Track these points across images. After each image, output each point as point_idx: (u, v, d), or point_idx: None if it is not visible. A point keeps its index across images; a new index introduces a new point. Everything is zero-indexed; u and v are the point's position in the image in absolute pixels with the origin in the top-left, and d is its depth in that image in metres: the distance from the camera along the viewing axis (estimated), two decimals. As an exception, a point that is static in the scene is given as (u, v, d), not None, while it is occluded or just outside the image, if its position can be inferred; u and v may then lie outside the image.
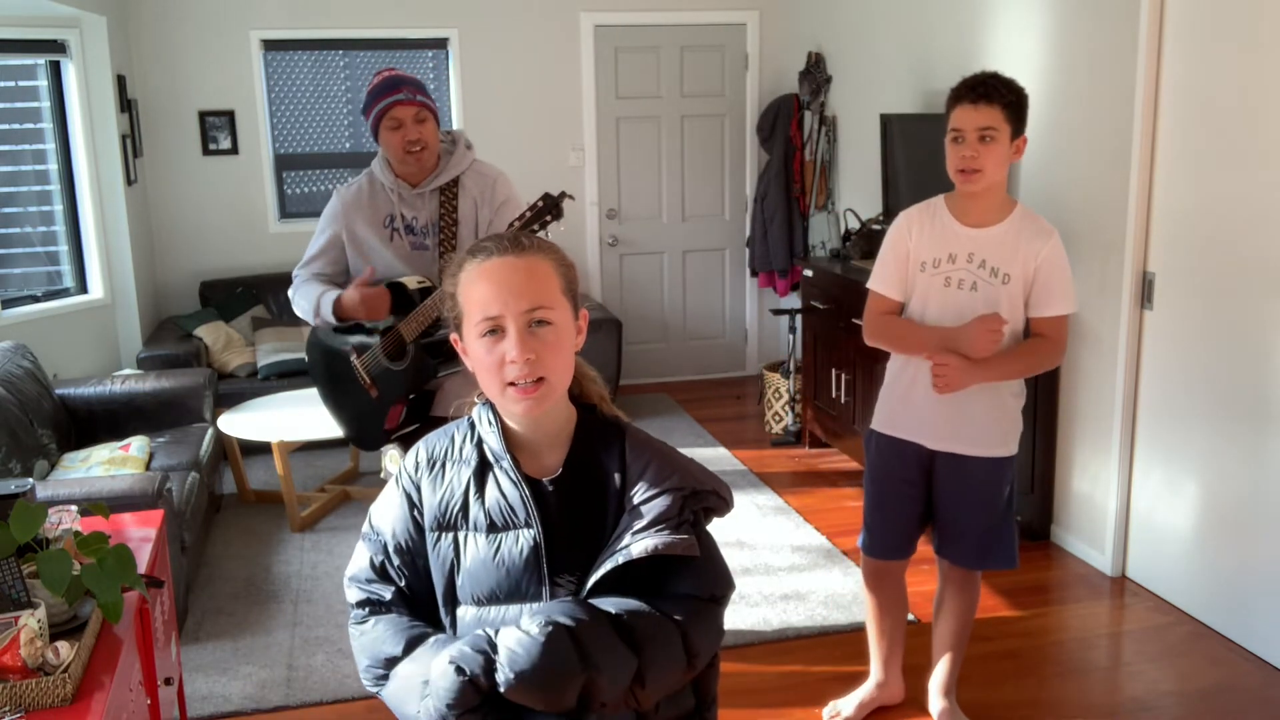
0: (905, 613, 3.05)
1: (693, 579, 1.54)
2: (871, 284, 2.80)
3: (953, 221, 2.69)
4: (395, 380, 3.04)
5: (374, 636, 1.58)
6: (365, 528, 1.66)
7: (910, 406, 2.76)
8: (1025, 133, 2.63)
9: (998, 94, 2.55)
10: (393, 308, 2.97)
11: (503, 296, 1.49)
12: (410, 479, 1.62)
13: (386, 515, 1.63)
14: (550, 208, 2.80)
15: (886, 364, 2.88)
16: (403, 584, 1.62)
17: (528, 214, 2.84)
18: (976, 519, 2.77)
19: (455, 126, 6.14)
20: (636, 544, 1.47)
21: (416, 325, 2.93)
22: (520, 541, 1.53)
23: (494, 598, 1.54)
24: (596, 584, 1.49)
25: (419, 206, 3.05)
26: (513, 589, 1.53)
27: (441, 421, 2.93)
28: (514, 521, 1.53)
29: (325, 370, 3.28)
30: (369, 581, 1.63)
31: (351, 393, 3.18)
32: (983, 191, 2.63)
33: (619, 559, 1.47)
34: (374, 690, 1.58)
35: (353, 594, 1.65)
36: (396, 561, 1.61)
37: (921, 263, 2.70)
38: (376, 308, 2.96)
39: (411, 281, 2.98)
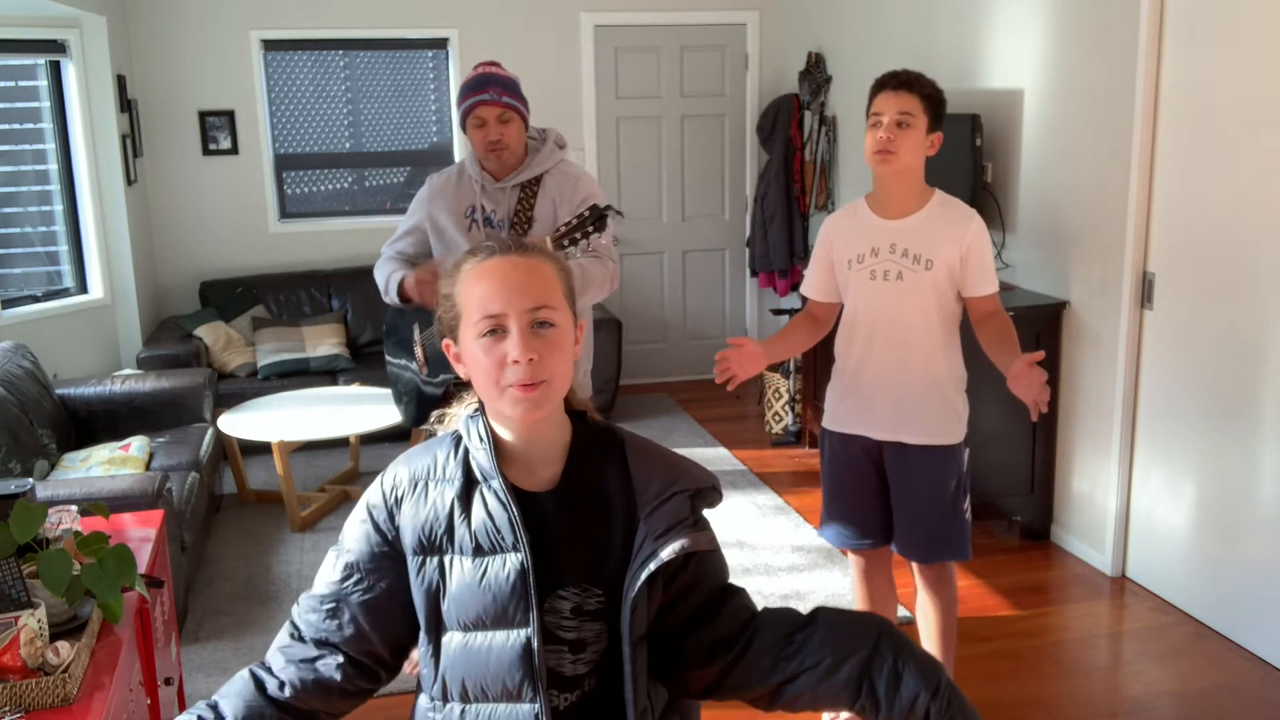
0: (894, 608, 3.06)
1: (713, 572, 1.56)
2: (801, 289, 2.96)
3: (872, 216, 2.77)
4: (446, 361, 3.08)
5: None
6: (340, 539, 1.58)
7: (854, 400, 2.82)
8: (941, 130, 2.72)
9: (918, 84, 2.68)
10: None
11: (506, 294, 1.44)
12: (384, 496, 1.54)
13: (355, 536, 1.55)
14: (595, 219, 2.87)
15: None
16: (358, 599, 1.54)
17: (572, 221, 2.89)
18: (925, 510, 2.80)
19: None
20: (664, 548, 1.44)
21: None
22: (507, 566, 1.46)
23: (480, 623, 1.48)
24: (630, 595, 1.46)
25: (500, 200, 3.12)
26: (499, 615, 1.47)
27: None
28: (501, 545, 1.47)
29: (395, 339, 3.36)
30: (310, 609, 1.55)
31: (409, 370, 3.26)
32: (898, 177, 2.69)
33: (651, 565, 1.44)
34: None
35: (299, 607, 1.57)
36: (354, 578, 1.54)
37: (847, 261, 2.78)
38: (430, 295, 3.00)
39: None
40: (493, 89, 3.00)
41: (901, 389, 2.74)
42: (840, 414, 2.87)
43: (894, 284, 2.71)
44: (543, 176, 3.12)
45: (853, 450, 2.85)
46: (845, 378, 2.85)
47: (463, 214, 3.14)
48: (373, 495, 1.55)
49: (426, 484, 1.52)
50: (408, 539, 1.51)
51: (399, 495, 1.53)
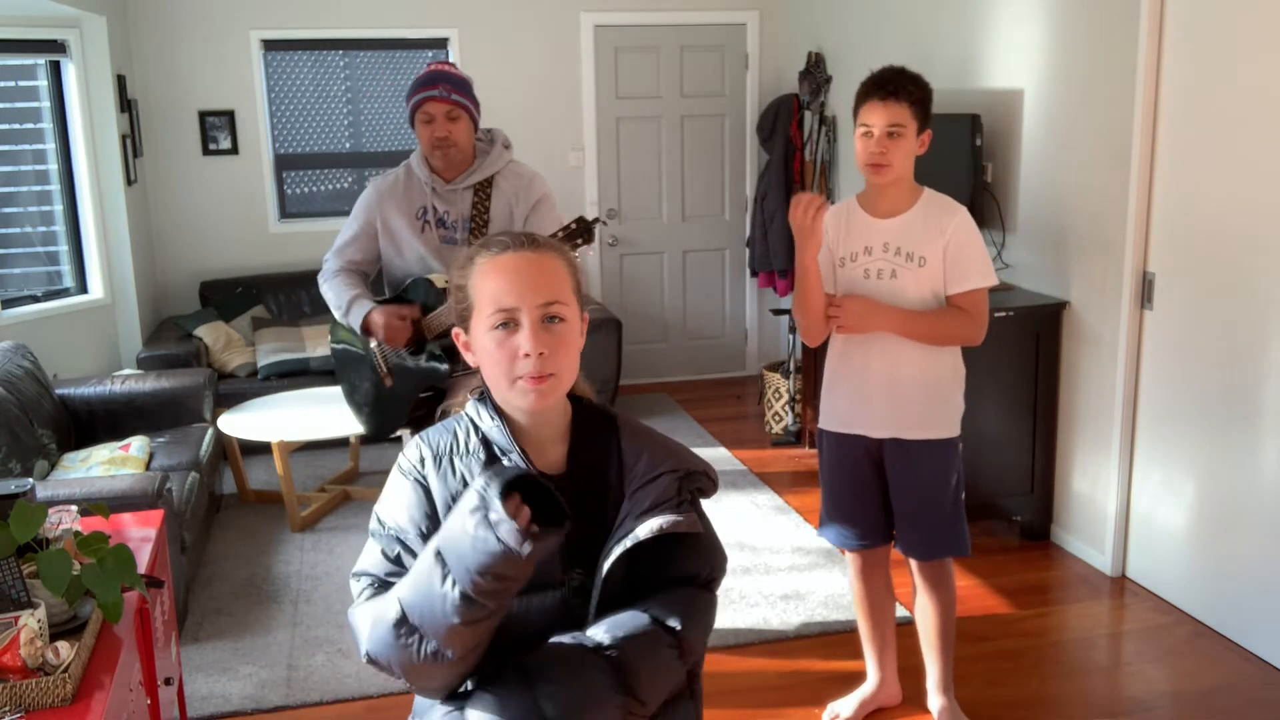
0: (893, 608, 3.06)
1: (694, 557, 1.55)
2: None
3: (865, 216, 2.77)
4: (410, 373, 3.10)
5: (378, 602, 1.50)
6: (373, 525, 1.59)
7: (851, 399, 2.82)
8: (930, 127, 2.69)
9: (905, 91, 2.63)
10: (420, 307, 3.06)
11: (518, 289, 1.49)
12: (416, 470, 1.57)
13: (400, 507, 1.56)
14: (583, 231, 2.87)
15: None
16: None
17: (560, 234, 2.89)
18: (925, 506, 2.80)
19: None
20: (642, 526, 1.47)
21: (438, 325, 3.00)
22: None
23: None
24: (608, 570, 1.49)
25: (452, 201, 3.11)
26: (534, 580, 1.49)
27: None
28: None
29: (345, 354, 3.35)
30: (381, 573, 1.55)
31: (368, 378, 3.24)
32: (891, 183, 2.69)
33: (627, 542, 1.47)
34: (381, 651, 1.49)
35: (358, 586, 1.56)
36: (418, 549, 1.53)
37: (840, 258, 2.78)
38: (395, 339, 3.03)
39: (439, 280, 3.06)
40: (443, 85, 2.99)
41: (899, 386, 2.74)
42: (838, 414, 2.86)
43: (888, 282, 2.71)
44: (494, 178, 3.12)
45: (852, 450, 2.85)
46: (842, 377, 2.85)
47: (414, 215, 3.13)
48: (403, 464, 1.58)
49: (451, 458, 1.56)
50: (441, 511, 1.53)
51: (427, 469, 1.56)
